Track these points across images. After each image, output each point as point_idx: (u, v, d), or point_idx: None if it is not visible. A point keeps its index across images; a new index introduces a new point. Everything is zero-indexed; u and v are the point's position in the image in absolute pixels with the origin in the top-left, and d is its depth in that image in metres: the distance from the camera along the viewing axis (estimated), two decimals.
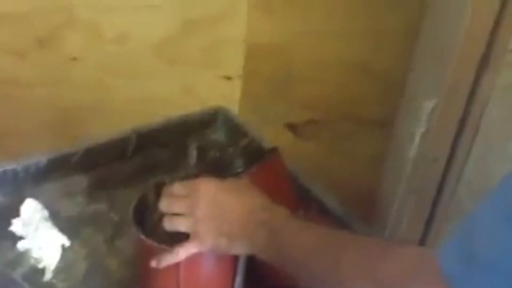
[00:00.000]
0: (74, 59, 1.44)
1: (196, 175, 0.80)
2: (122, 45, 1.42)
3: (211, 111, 1.20)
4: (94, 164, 1.08)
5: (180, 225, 0.77)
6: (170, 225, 0.77)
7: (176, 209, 0.77)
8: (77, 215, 1.02)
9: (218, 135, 1.18)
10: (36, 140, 1.53)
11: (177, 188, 0.79)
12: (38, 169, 1.04)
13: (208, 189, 0.77)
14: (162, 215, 0.80)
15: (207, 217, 0.76)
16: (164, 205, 0.78)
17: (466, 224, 0.57)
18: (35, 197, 1.00)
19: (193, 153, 0.80)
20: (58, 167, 1.06)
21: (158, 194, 0.82)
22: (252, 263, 0.87)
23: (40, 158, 1.04)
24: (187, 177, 0.80)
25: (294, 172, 1.05)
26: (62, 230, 0.97)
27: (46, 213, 0.99)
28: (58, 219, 0.99)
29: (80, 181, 1.07)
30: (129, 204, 0.83)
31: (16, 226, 0.96)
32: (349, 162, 1.50)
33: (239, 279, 0.82)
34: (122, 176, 1.09)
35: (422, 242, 1.36)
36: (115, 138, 1.10)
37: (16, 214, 0.96)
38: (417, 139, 1.26)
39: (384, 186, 1.50)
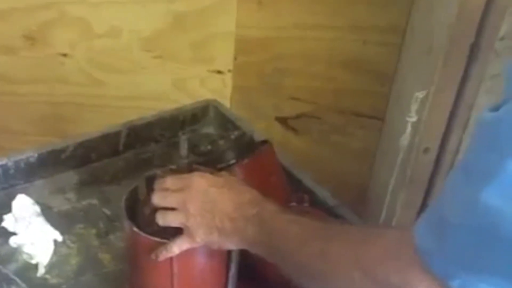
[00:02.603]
0: (64, 55, 1.44)
1: (188, 168, 0.79)
2: (112, 40, 1.42)
3: (202, 104, 1.19)
4: (85, 159, 1.08)
5: (173, 220, 0.77)
6: (163, 220, 0.77)
7: (169, 204, 0.77)
8: (69, 211, 1.02)
9: (210, 128, 1.18)
10: (27, 136, 1.53)
11: (170, 182, 0.79)
12: (29, 165, 1.04)
13: (200, 184, 0.77)
14: (154, 208, 0.80)
15: (198, 212, 0.76)
16: (157, 199, 0.78)
17: (436, 197, 0.58)
18: (27, 192, 1.00)
19: (184, 146, 0.79)
20: (49, 163, 1.05)
21: (149, 187, 0.82)
22: (245, 256, 0.87)
23: (31, 153, 1.04)
24: (179, 169, 0.80)
25: (285, 164, 1.05)
26: (54, 225, 0.97)
27: (37, 208, 0.99)
28: (50, 215, 0.99)
29: (72, 176, 1.07)
30: (120, 199, 0.83)
31: (7, 222, 0.95)
32: (340, 154, 1.50)
33: (232, 272, 0.82)
34: (113, 171, 1.09)
35: None
36: (106, 133, 1.10)
37: (8, 210, 0.96)
38: (408, 130, 1.26)
39: (376, 178, 1.50)
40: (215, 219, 0.75)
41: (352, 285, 0.64)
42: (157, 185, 0.80)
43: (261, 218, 0.74)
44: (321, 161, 1.47)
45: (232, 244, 0.77)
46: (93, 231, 0.99)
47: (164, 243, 0.76)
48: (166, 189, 0.78)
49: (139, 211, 0.82)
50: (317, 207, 0.97)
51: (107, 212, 1.02)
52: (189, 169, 0.79)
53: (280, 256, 0.73)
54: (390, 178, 1.37)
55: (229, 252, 0.80)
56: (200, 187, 0.77)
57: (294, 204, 0.95)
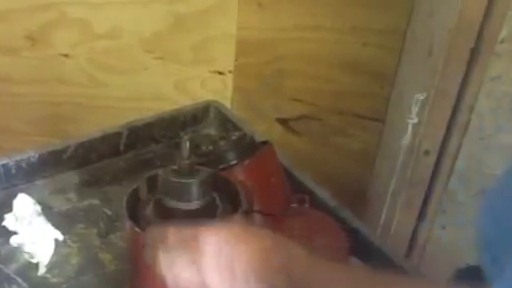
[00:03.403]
0: (65, 55, 1.44)
1: (190, 167, 0.79)
2: (113, 41, 1.42)
3: (203, 105, 1.20)
4: (86, 160, 1.08)
5: (189, 281, 0.69)
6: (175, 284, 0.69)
7: (179, 270, 0.69)
8: (70, 210, 1.02)
9: (210, 129, 1.18)
10: (27, 136, 1.53)
11: (172, 238, 0.70)
12: (30, 165, 1.04)
13: (209, 242, 0.68)
14: (155, 208, 0.80)
15: (215, 270, 0.68)
16: (163, 266, 0.70)
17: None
18: (28, 192, 1.00)
19: (186, 147, 0.79)
20: (50, 163, 1.06)
21: (150, 187, 0.83)
22: None
23: (32, 153, 1.04)
24: (180, 169, 0.80)
25: (286, 165, 1.05)
26: (55, 225, 0.97)
27: (38, 208, 0.99)
28: (50, 215, 0.99)
29: (73, 176, 1.07)
30: (121, 199, 0.83)
31: (8, 221, 0.95)
32: (340, 156, 1.50)
33: None
34: (114, 171, 1.09)
35: (414, 234, 1.37)
36: (107, 134, 1.10)
37: (9, 209, 0.96)
38: (408, 132, 1.27)
39: (376, 179, 1.51)
40: (237, 277, 0.67)
41: None
42: (153, 239, 0.72)
43: (291, 270, 0.67)
44: (321, 163, 1.47)
45: None
46: (94, 231, 0.99)
47: None
48: (168, 248, 0.70)
49: (140, 211, 0.83)
50: (317, 208, 0.97)
51: (108, 212, 1.02)
52: (191, 169, 0.79)
53: None
54: (391, 179, 1.37)
55: None
56: (209, 245, 0.68)
57: (294, 205, 0.95)
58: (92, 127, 1.37)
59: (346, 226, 0.94)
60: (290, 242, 0.69)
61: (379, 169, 1.50)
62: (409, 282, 0.66)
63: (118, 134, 1.11)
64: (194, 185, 0.79)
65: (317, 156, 1.51)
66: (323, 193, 1.01)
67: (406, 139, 1.27)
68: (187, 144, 0.80)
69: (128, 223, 0.80)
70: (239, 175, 0.90)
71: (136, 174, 1.07)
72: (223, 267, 0.67)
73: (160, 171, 0.82)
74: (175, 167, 0.81)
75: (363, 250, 0.94)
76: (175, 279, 0.69)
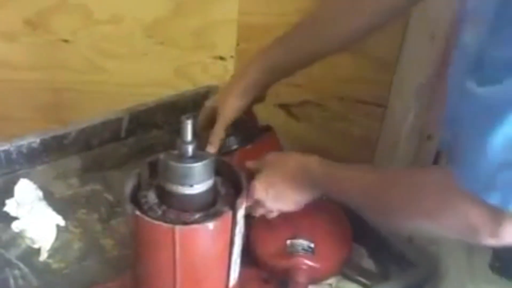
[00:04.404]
0: (66, 41, 1.43)
1: (191, 150, 0.79)
2: (114, 26, 1.41)
3: (204, 90, 1.19)
4: (87, 145, 1.08)
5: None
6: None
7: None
8: (71, 196, 1.02)
9: None
10: (28, 123, 1.52)
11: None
12: (31, 150, 1.04)
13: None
14: (156, 192, 0.80)
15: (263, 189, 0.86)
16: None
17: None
18: (29, 178, 1.00)
19: (187, 129, 0.79)
20: (52, 148, 1.06)
21: (151, 172, 0.82)
22: (247, 240, 0.88)
23: (33, 139, 1.04)
24: (181, 153, 0.79)
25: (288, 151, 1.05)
26: (57, 210, 0.97)
27: (40, 193, 0.99)
28: (52, 200, 0.99)
29: (74, 162, 1.07)
30: (123, 185, 0.83)
31: (10, 206, 0.95)
32: (342, 142, 1.50)
33: (235, 257, 0.82)
34: (116, 157, 1.09)
35: None
36: (108, 119, 1.10)
37: (10, 194, 0.96)
38: (410, 117, 1.26)
39: (378, 165, 1.50)
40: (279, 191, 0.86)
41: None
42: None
43: (315, 182, 0.84)
44: (323, 148, 1.46)
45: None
46: (96, 216, 0.99)
47: (166, 227, 0.76)
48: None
49: (142, 196, 0.83)
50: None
51: (110, 197, 1.02)
52: (192, 153, 0.79)
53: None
54: (393, 165, 1.36)
55: (231, 237, 0.81)
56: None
57: None
58: (92, 112, 1.37)
59: (347, 210, 0.94)
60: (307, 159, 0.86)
61: (381, 155, 1.50)
62: (415, 173, 0.75)
63: (119, 120, 1.10)
64: (195, 169, 0.78)
65: (318, 142, 1.50)
66: None
67: (408, 124, 1.27)
68: (189, 127, 0.79)
69: (129, 207, 0.80)
70: (241, 160, 0.89)
71: (137, 160, 1.07)
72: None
73: (161, 156, 0.81)
74: (176, 151, 0.81)
75: (365, 236, 0.94)
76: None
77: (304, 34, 0.97)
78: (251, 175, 0.89)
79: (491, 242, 0.67)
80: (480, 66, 0.61)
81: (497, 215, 0.63)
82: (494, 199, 0.61)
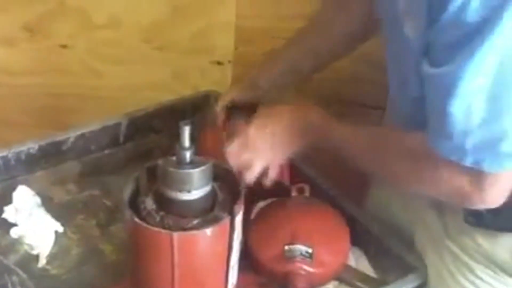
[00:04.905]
0: (64, 46, 1.43)
1: (189, 156, 0.79)
2: (112, 31, 1.42)
3: (203, 95, 1.19)
4: (86, 151, 1.08)
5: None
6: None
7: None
8: (70, 202, 1.02)
9: (210, 118, 1.18)
10: (26, 127, 1.53)
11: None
12: (29, 156, 1.04)
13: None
14: (155, 198, 0.80)
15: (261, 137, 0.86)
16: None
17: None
18: (27, 184, 1.00)
19: (185, 136, 0.79)
20: (50, 154, 1.05)
21: (150, 177, 0.82)
22: (245, 245, 0.88)
23: (32, 145, 1.04)
24: (179, 159, 0.79)
25: None
26: (55, 216, 0.97)
27: (38, 199, 0.99)
28: (50, 206, 0.99)
29: (72, 167, 1.07)
30: (121, 190, 0.83)
31: (8, 213, 0.95)
32: None
33: (233, 260, 0.82)
34: (114, 162, 1.09)
35: None
36: (107, 124, 1.10)
37: (9, 201, 0.96)
38: None
39: None
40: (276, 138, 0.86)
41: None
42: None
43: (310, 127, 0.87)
44: (322, 151, 1.46)
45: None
46: (94, 222, 0.99)
47: (164, 233, 0.76)
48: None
49: (140, 201, 0.83)
50: (317, 197, 0.97)
51: (108, 203, 1.02)
52: (190, 159, 0.79)
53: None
54: None
55: (229, 242, 0.81)
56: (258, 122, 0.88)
57: (295, 194, 0.95)
58: (91, 117, 1.37)
59: (346, 216, 0.94)
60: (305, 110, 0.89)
61: None
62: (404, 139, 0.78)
63: (117, 125, 1.10)
64: (193, 175, 0.78)
65: None
66: (323, 182, 1.01)
67: None
68: (187, 133, 0.79)
69: (128, 213, 0.80)
70: None
71: (135, 165, 1.07)
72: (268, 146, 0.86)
73: (159, 161, 0.81)
74: (174, 157, 0.81)
75: (362, 239, 0.94)
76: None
77: (308, 36, 1.03)
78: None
79: (480, 204, 0.73)
80: (427, 52, 0.70)
81: (476, 176, 0.70)
82: (468, 162, 0.68)
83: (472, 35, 0.62)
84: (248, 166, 0.86)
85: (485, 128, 0.66)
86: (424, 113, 0.72)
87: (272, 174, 0.88)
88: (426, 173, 0.75)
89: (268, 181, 0.89)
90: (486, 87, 0.63)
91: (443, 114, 0.67)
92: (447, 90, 0.65)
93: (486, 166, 0.68)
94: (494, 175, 0.69)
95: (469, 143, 0.67)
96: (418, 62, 0.71)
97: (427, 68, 0.69)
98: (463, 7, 0.61)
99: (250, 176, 0.86)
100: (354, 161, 0.86)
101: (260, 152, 0.86)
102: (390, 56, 0.86)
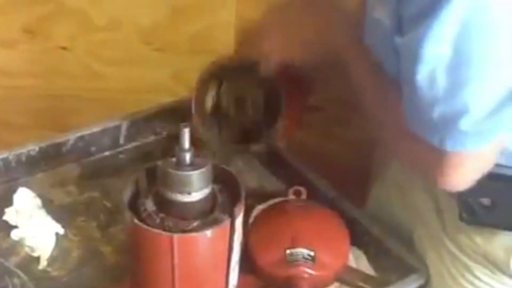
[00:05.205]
0: (64, 48, 1.44)
1: (189, 157, 0.79)
2: (112, 32, 1.42)
3: None
4: (86, 153, 1.08)
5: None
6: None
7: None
8: (70, 204, 1.02)
9: None
10: (27, 129, 1.53)
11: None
12: (30, 158, 1.04)
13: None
14: (155, 199, 0.80)
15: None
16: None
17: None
18: (28, 186, 1.00)
19: (185, 137, 0.79)
20: (50, 156, 1.06)
21: (149, 178, 0.82)
22: (245, 247, 0.88)
23: (32, 147, 1.04)
24: (179, 160, 0.80)
25: (286, 157, 1.06)
26: (56, 218, 0.97)
27: (39, 201, 0.99)
28: (51, 208, 0.99)
29: (73, 169, 1.07)
30: (121, 192, 0.83)
31: (9, 215, 0.96)
32: (342, 147, 1.50)
33: (233, 262, 0.82)
34: (114, 164, 1.09)
35: None
36: (107, 126, 1.10)
37: (9, 203, 0.96)
38: None
39: (377, 169, 1.50)
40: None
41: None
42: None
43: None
44: (324, 153, 1.47)
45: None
46: (94, 223, 0.99)
47: (164, 235, 0.77)
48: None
49: (140, 203, 0.83)
50: (317, 199, 0.97)
51: (108, 204, 1.02)
52: (190, 161, 0.79)
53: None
54: (391, 168, 1.36)
55: (230, 244, 0.81)
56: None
57: (292, 197, 0.95)
58: (91, 118, 1.37)
59: (345, 217, 0.94)
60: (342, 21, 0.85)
61: (381, 159, 1.50)
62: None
63: (117, 127, 1.10)
64: (193, 177, 0.78)
65: (318, 147, 1.50)
66: (322, 184, 1.01)
67: None
68: (187, 135, 0.79)
69: (128, 215, 0.80)
70: None
71: (136, 167, 1.06)
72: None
73: (159, 163, 0.81)
74: (174, 158, 0.81)
75: (362, 239, 0.94)
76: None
77: None
78: None
79: (444, 185, 0.73)
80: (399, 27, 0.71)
81: (440, 156, 0.70)
82: (435, 140, 0.69)
83: (434, 3, 0.63)
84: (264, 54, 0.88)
85: (448, 101, 0.66)
86: None
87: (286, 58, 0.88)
88: (402, 143, 0.77)
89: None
90: (447, 56, 0.64)
91: (411, 83, 0.67)
92: (412, 56, 0.66)
93: (448, 145, 0.68)
94: (457, 155, 0.69)
95: (435, 116, 0.67)
96: (392, 40, 0.72)
97: (398, 40, 0.70)
98: None
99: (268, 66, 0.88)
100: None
101: (273, 36, 0.87)
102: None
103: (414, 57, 0.66)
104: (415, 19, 0.66)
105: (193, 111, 0.99)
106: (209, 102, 1.02)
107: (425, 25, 0.64)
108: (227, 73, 1.01)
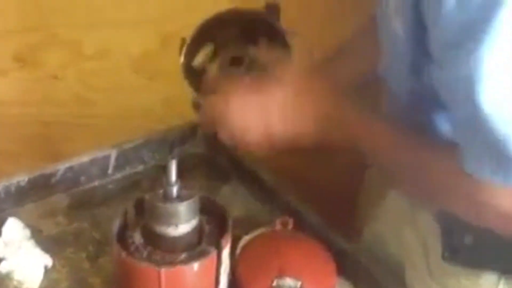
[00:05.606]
0: (55, 76, 1.44)
1: (176, 191, 0.80)
2: (103, 61, 1.43)
3: (191, 125, 1.20)
4: (75, 183, 1.09)
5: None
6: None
7: (248, 112, 0.82)
8: (59, 234, 1.03)
9: (199, 149, 1.19)
10: (17, 157, 1.53)
11: (243, 85, 0.83)
12: (19, 189, 1.04)
13: (278, 92, 0.82)
14: (143, 232, 0.81)
15: (281, 115, 0.81)
16: (234, 108, 0.82)
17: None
18: (17, 216, 1.00)
19: (172, 171, 0.80)
20: (40, 186, 1.06)
21: (138, 210, 0.83)
22: (233, 277, 0.88)
23: (21, 177, 1.05)
24: (166, 193, 0.80)
25: (271, 184, 1.07)
26: (44, 249, 0.97)
27: (28, 232, 0.99)
28: (40, 239, 0.99)
29: (62, 199, 1.08)
30: (110, 222, 0.84)
31: None
32: (328, 171, 1.51)
33: None
34: (103, 193, 1.10)
35: None
36: (96, 156, 1.11)
37: None
38: None
39: (365, 193, 1.51)
40: (298, 122, 0.82)
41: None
42: (224, 86, 0.85)
43: (344, 124, 0.81)
44: (309, 179, 1.47)
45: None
46: (83, 254, 0.99)
47: (152, 269, 0.77)
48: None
49: (128, 236, 0.84)
50: (303, 229, 0.98)
51: (97, 235, 1.02)
52: (177, 193, 0.80)
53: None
54: (381, 194, 1.37)
55: (216, 276, 0.81)
56: (279, 96, 0.81)
57: (279, 227, 0.96)
58: (82, 145, 1.38)
59: (333, 247, 0.95)
60: (345, 99, 0.81)
61: (368, 183, 1.51)
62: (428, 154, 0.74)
63: (106, 157, 1.11)
64: (180, 210, 0.80)
65: (304, 171, 1.51)
66: (309, 214, 1.02)
67: None
68: (174, 167, 0.80)
69: (116, 249, 0.81)
70: None
71: (125, 196, 1.08)
72: (289, 118, 0.81)
73: (147, 196, 0.82)
74: (162, 190, 0.82)
75: (350, 270, 0.95)
76: (243, 120, 0.82)
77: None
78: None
79: (485, 218, 0.69)
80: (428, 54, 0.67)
81: (493, 190, 0.65)
82: (499, 178, 0.64)
83: (487, 11, 0.58)
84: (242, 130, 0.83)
85: None
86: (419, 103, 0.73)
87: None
88: (448, 191, 0.71)
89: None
90: None
91: (474, 118, 0.62)
92: (469, 81, 0.60)
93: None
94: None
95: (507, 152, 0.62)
96: (409, 56, 0.70)
97: (435, 71, 0.66)
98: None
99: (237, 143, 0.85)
100: (377, 160, 0.84)
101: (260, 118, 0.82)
102: (386, 57, 0.83)
103: (470, 91, 0.61)
104: (458, 43, 0.61)
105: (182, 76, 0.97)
106: (199, 61, 1.00)
107: (479, 40, 0.59)
108: (221, 31, 0.96)
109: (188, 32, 1.40)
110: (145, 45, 1.42)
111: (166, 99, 1.48)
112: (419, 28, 0.68)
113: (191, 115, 1.37)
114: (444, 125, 0.78)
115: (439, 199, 0.76)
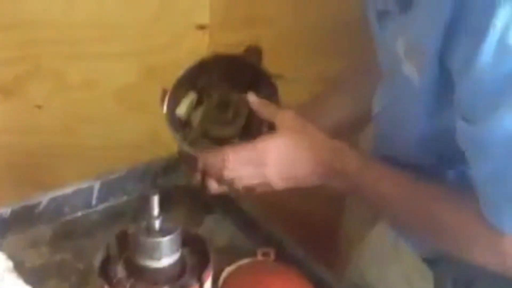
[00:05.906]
0: (39, 106, 1.46)
1: (159, 224, 0.81)
2: (87, 92, 1.44)
3: (175, 157, 1.22)
4: (58, 214, 1.10)
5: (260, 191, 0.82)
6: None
7: (247, 180, 0.83)
8: (42, 266, 1.03)
9: (182, 180, 1.20)
10: (1, 186, 1.53)
11: (230, 156, 0.83)
12: (2, 221, 1.05)
13: (271, 152, 0.81)
14: (125, 265, 0.82)
15: (279, 175, 0.81)
16: (232, 181, 0.83)
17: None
18: (0, 248, 1.01)
19: (154, 204, 0.81)
20: (23, 218, 1.07)
21: (121, 243, 0.84)
22: None
23: (4, 209, 1.05)
24: (149, 226, 0.81)
25: (253, 216, 1.08)
26: (27, 281, 0.97)
27: (10, 264, 0.99)
28: (22, 270, 0.99)
29: (45, 231, 1.08)
30: (94, 253, 0.85)
31: None
32: (312, 202, 1.52)
33: None
34: (87, 224, 1.11)
35: None
36: (80, 187, 1.12)
37: None
38: None
39: (347, 221, 1.52)
40: (299, 179, 0.82)
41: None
42: (211, 164, 0.85)
43: (346, 174, 0.79)
44: (290, 209, 1.48)
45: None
46: (66, 285, 1.00)
47: None
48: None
49: (111, 268, 0.84)
50: (284, 259, 0.99)
51: (80, 266, 1.03)
52: (160, 227, 0.81)
53: (371, 206, 0.82)
54: (363, 220, 1.38)
55: None
56: (272, 156, 0.81)
57: (261, 258, 0.97)
58: (67, 175, 1.39)
59: (314, 278, 0.96)
60: (345, 147, 0.80)
61: (350, 210, 1.52)
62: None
63: (90, 188, 1.12)
64: (163, 244, 0.81)
65: (288, 202, 1.52)
66: (291, 245, 1.03)
67: None
68: (155, 202, 0.82)
69: (99, 281, 0.81)
70: None
71: (109, 227, 1.08)
72: (286, 173, 0.81)
73: (129, 229, 0.83)
74: (144, 223, 0.83)
75: None
76: (240, 179, 0.83)
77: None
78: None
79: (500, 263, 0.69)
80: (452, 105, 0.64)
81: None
82: None
83: None
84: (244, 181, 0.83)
85: None
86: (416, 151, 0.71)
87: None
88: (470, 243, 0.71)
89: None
90: None
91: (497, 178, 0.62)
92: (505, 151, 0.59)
93: None
94: None
95: None
96: (422, 102, 0.68)
97: (461, 125, 0.63)
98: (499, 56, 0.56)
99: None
100: (383, 211, 0.82)
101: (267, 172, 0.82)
102: (384, 96, 0.81)
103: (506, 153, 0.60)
104: (497, 98, 0.58)
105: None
106: (183, 110, 1.00)
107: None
108: (204, 77, 0.96)
109: (172, 66, 1.43)
110: (129, 77, 1.44)
111: (150, 130, 1.49)
112: (441, 80, 0.65)
113: (175, 147, 1.39)
114: (450, 173, 0.78)
115: (456, 249, 0.75)
